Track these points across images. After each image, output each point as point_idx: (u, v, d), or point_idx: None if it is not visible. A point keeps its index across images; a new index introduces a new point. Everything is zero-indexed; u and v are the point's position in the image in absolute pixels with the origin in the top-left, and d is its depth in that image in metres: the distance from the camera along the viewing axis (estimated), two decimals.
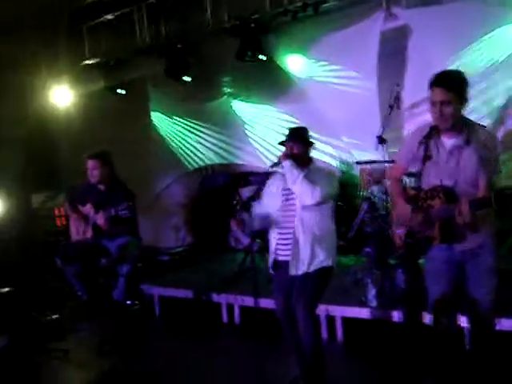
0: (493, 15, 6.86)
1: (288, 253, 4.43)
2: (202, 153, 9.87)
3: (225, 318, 6.54)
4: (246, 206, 4.51)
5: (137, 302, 6.51)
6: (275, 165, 4.51)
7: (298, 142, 4.53)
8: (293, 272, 4.39)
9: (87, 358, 5.84)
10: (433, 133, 3.55)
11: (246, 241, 9.01)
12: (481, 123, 3.92)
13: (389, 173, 4.21)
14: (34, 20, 9.77)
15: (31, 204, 9.48)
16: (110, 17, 9.78)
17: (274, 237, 4.59)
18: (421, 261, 4.48)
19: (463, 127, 3.64)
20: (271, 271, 4.62)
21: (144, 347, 6.01)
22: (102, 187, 6.14)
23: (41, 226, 9.11)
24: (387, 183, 5.88)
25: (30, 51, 10.53)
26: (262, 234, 7.94)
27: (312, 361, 4.40)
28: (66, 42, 10.51)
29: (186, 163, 9.98)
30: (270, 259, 4.60)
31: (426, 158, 3.45)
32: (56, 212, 9.11)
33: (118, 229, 5.84)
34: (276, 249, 4.55)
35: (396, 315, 5.37)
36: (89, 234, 6.08)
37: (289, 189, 4.48)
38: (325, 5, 8.06)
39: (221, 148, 9.62)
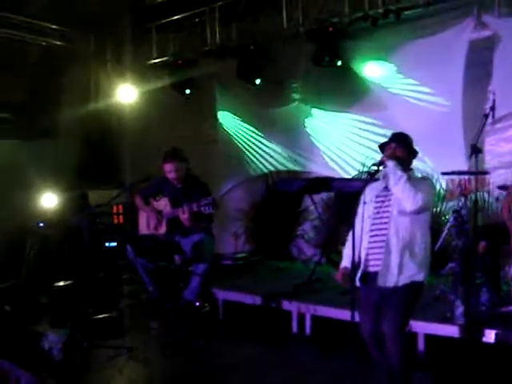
0: None
1: (379, 263, 4.18)
2: (267, 159, 9.62)
3: (295, 328, 6.26)
4: None
5: (207, 304, 6.26)
6: (377, 165, 4.21)
7: (401, 146, 4.33)
8: (381, 283, 4.14)
9: (151, 357, 5.60)
10: None
11: (309, 251, 8.80)
12: None
13: None
14: (100, 17, 9.79)
15: (88, 200, 9.35)
16: (178, 17, 9.72)
17: (363, 247, 4.28)
18: None
19: None
20: (358, 284, 4.30)
21: (210, 351, 5.74)
22: (178, 185, 5.97)
23: (97, 223, 8.96)
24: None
25: (96, 48, 10.57)
26: (327, 248, 7.83)
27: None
28: (133, 40, 10.52)
29: (251, 168, 9.76)
30: (359, 270, 4.30)
31: None
32: (114, 209, 8.98)
33: (198, 225, 5.65)
34: (366, 259, 4.27)
35: (484, 334, 5.04)
36: (162, 229, 5.92)
37: (384, 195, 4.26)
38: (408, 12, 7.85)
39: (288, 155, 9.35)
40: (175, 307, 5.89)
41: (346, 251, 4.44)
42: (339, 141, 8.68)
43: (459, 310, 5.24)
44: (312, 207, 8.62)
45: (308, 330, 6.17)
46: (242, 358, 5.60)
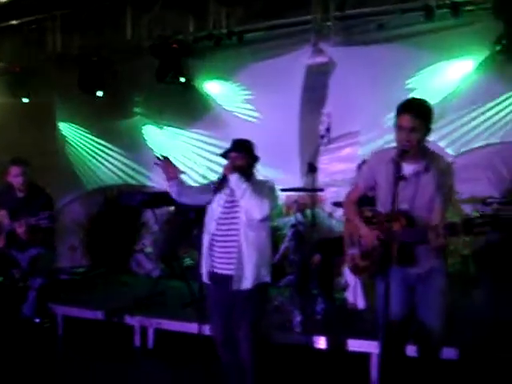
0: (414, 59, 7.30)
1: (229, 267, 4.27)
2: (108, 172, 9.53)
3: (137, 342, 6.23)
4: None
5: (47, 320, 6.04)
6: (221, 180, 4.31)
7: (242, 153, 4.39)
8: (235, 287, 4.24)
9: None
10: (402, 156, 3.57)
11: (149, 265, 8.79)
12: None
13: (347, 194, 4.20)
14: None
15: None
16: (16, 22, 9.32)
17: (208, 248, 4.37)
18: None
19: (424, 155, 3.74)
20: (206, 281, 4.38)
21: (47, 370, 5.53)
22: (20, 194, 5.74)
23: None
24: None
25: None
26: (167, 259, 7.89)
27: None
28: None
29: (91, 180, 9.60)
30: (205, 270, 4.37)
31: (400, 178, 3.46)
32: None
33: (36, 238, 5.46)
34: (213, 261, 4.34)
35: (320, 341, 5.37)
36: (1, 243, 5.64)
37: (232, 200, 4.33)
38: (250, 34, 8.19)
39: (129, 169, 9.34)
40: (12, 323, 5.63)
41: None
42: (179, 156, 8.80)
43: (297, 319, 5.51)
44: (152, 221, 8.66)
45: (151, 344, 6.16)
46: (84, 373, 5.46)
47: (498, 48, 6.88)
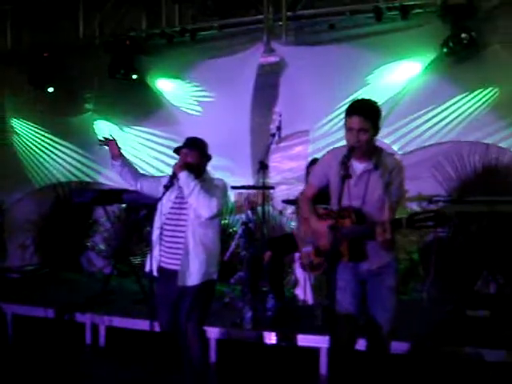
0: (364, 60, 7.44)
1: (176, 262, 4.30)
2: (58, 169, 9.42)
3: (88, 340, 6.21)
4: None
5: None
6: (171, 178, 4.31)
7: (193, 150, 4.41)
8: (181, 282, 4.27)
9: None
10: (351, 154, 3.66)
11: (100, 263, 8.75)
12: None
13: (301, 192, 4.28)
14: None
15: None
16: None
17: (157, 242, 4.39)
18: None
19: (373, 153, 3.84)
20: (155, 274, 4.40)
21: None
22: None
23: None
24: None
25: None
26: (119, 257, 7.85)
27: (200, 378, 4.34)
28: None
29: (43, 177, 9.48)
30: (154, 263, 4.37)
31: (346, 176, 3.56)
32: None
33: None
34: (161, 255, 4.38)
35: (270, 337, 5.44)
36: None
37: (182, 197, 4.35)
38: (203, 32, 8.24)
39: (81, 165, 9.25)
40: None
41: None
42: (131, 153, 8.74)
43: (247, 315, 5.58)
44: (103, 219, 8.63)
45: (102, 342, 6.14)
46: (35, 371, 5.41)
47: (445, 50, 7.08)
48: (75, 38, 8.78)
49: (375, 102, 3.83)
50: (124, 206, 8.29)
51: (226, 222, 7.75)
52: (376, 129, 3.76)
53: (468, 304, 5.94)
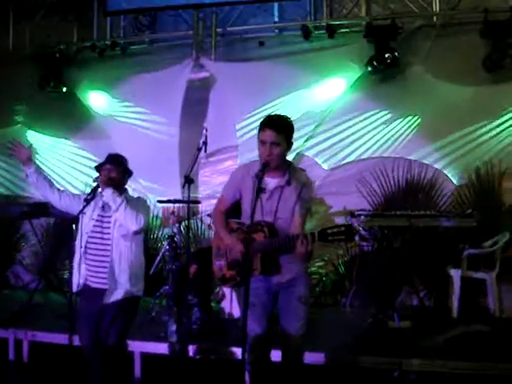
0: (292, 77, 7.60)
1: (102, 281, 4.33)
2: None
3: (11, 356, 6.07)
4: None
5: None
6: (93, 191, 4.32)
7: (116, 166, 4.47)
8: (107, 300, 4.29)
9: None
10: (264, 169, 3.74)
11: (27, 277, 8.59)
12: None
13: (215, 205, 4.33)
14: None
15: None
16: None
17: (81, 261, 4.37)
18: None
19: (286, 169, 3.94)
20: (76, 291, 4.38)
21: None
22: None
23: None
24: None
25: None
26: (46, 273, 7.72)
27: None
28: None
29: None
30: (78, 281, 4.35)
31: (260, 190, 3.63)
32: None
33: None
34: (86, 274, 4.37)
35: (194, 350, 5.47)
36: None
37: (102, 215, 4.40)
38: (134, 47, 8.28)
39: (7, 178, 9.07)
40: None
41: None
42: (59, 166, 8.69)
43: (172, 328, 5.58)
44: (31, 233, 8.47)
45: (25, 357, 6.03)
46: None
47: (369, 69, 7.33)
48: (5, 49, 8.67)
49: (288, 118, 3.93)
50: (52, 220, 8.19)
51: (153, 236, 7.74)
52: (289, 143, 3.87)
53: (390, 316, 6.11)
